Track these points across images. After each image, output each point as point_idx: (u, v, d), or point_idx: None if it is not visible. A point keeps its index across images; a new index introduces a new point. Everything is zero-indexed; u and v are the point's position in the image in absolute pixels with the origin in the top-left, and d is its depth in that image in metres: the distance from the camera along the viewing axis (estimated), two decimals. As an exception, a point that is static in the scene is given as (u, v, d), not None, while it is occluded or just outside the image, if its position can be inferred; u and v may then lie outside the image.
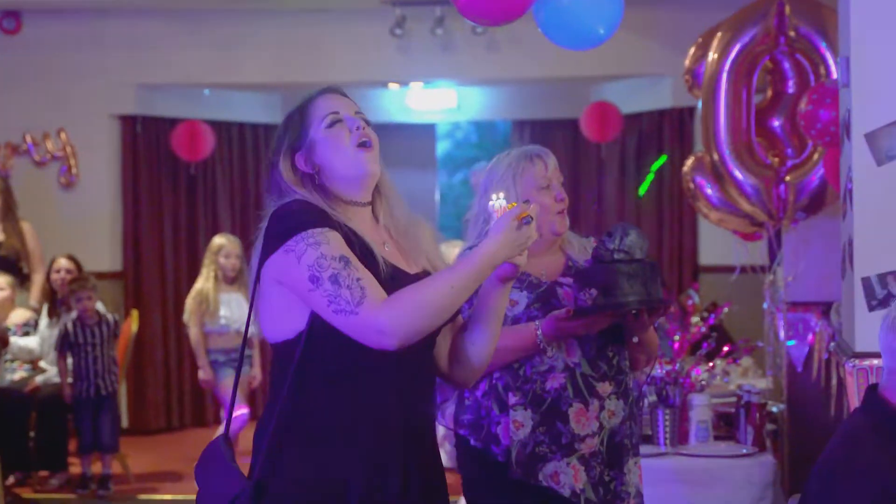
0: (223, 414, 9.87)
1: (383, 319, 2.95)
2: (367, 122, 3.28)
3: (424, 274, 3.23)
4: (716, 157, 6.51)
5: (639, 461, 4.05)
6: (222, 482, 3.14)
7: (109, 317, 8.93)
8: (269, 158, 3.27)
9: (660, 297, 3.79)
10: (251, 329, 3.30)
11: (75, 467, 9.11)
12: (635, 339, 3.95)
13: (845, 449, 3.12)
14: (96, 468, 8.87)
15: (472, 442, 3.96)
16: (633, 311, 3.77)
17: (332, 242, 3.04)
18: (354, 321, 2.97)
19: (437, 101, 12.74)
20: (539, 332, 3.82)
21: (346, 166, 3.21)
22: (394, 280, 3.10)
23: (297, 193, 3.18)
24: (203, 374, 8.90)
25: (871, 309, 4.39)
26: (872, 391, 3.24)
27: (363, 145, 3.22)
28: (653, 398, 5.42)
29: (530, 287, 3.92)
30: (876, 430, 3.14)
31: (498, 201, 3.12)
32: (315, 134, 3.22)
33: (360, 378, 3.09)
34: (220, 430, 3.32)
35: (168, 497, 8.64)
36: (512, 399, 3.89)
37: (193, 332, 8.95)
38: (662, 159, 10.63)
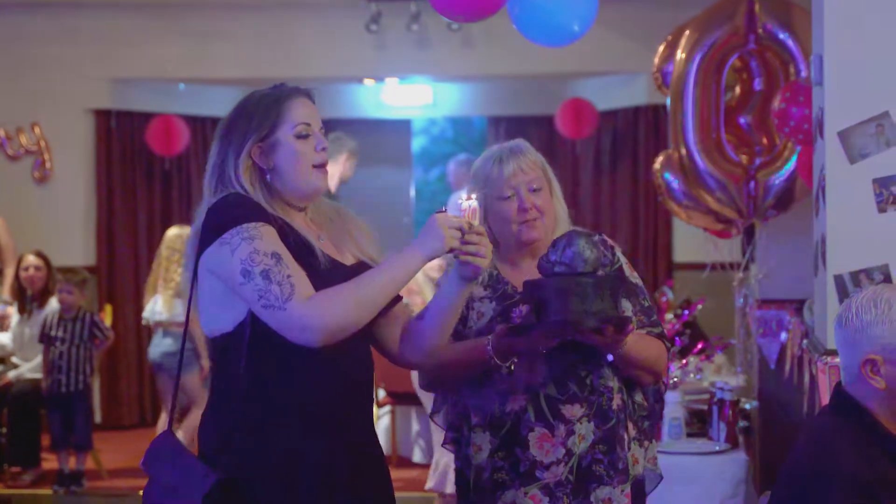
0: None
1: (307, 317, 3.01)
2: (326, 136, 3.35)
3: (359, 264, 3.30)
4: (685, 154, 6.53)
5: (626, 489, 3.60)
6: (180, 472, 3.18)
7: (89, 315, 8.92)
8: (218, 143, 3.27)
9: (607, 313, 3.35)
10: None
11: (48, 463, 9.08)
12: (610, 358, 3.56)
13: (815, 449, 3.12)
14: (69, 464, 8.83)
15: (454, 461, 3.76)
16: (577, 331, 3.36)
17: (266, 238, 3.09)
18: (281, 317, 3.02)
19: (412, 97, 12.74)
20: (489, 348, 3.48)
21: (301, 181, 3.27)
22: (332, 272, 3.18)
23: (236, 186, 3.20)
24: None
25: (844, 307, 4.40)
26: (838, 389, 3.25)
27: (322, 166, 3.29)
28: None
29: (502, 298, 3.64)
30: (843, 427, 3.14)
31: (464, 202, 3.22)
32: (282, 136, 3.25)
33: (304, 363, 3.14)
34: (163, 424, 3.36)
35: (141, 493, 8.58)
36: (473, 419, 3.62)
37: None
38: None
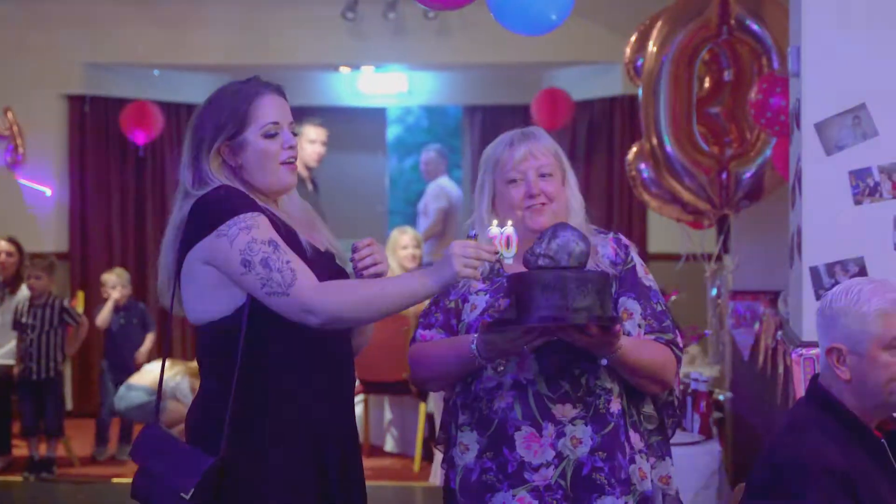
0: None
1: (311, 301, 3.10)
2: (295, 133, 3.40)
3: (329, 253, 3.39)
4: (657, 145, 6.53)
5: (630, 501, 3.38)
6: (171, 460, 3.21)
7: (58, 301, 8.90)
8: (190, 140, 3.34)
9: (590, 311, 3.14)
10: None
11: (19, 450, 9.04)
12: (603, 362, 3.35)
13: (794, 440, 3.13)
14: (40, 451, 8.80)
15: (442, 464, 3.61)
16: (558, 328, 3.19)
17: (262, 227, 3.18)
18: (286, 302, 3.12)
19: (388, 86, 12.72)
20: (473, 345, 3.33)
21: (270, 178, 3.34)
22: (315, 258, 3.27)
23: (217, 181, 3.27)
24: None
25: (819, 298, 4.41)
26: (815, 381, 3.26)
27: (290, 163, 3.35)
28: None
29: (497, 291, 3.47)
30: (821, 419, 3.15)
31: (494, 228, 3.13)
32: (250, 136, 3.31)
33: (298, 342, 3.24)
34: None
35: (113, 481, 8.57)
36: (461, 418, 3.47)
37: None
38: None
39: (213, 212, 3.20)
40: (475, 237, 3.19)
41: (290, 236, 3.25)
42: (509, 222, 3.14)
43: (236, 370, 3.19)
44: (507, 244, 3.10)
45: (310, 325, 3.13)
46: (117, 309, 9.27)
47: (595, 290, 3.15)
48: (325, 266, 3.29)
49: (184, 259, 3.26)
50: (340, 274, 3.37)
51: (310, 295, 3.10)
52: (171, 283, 3.34)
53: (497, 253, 3.10)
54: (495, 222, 3.17)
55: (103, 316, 9.21)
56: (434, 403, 8.24)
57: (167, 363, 8.55)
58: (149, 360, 9.30)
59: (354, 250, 3.41)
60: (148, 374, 8.77)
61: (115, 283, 9.27)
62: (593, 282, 3.16)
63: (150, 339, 9.40)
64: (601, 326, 3.19)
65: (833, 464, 3.01)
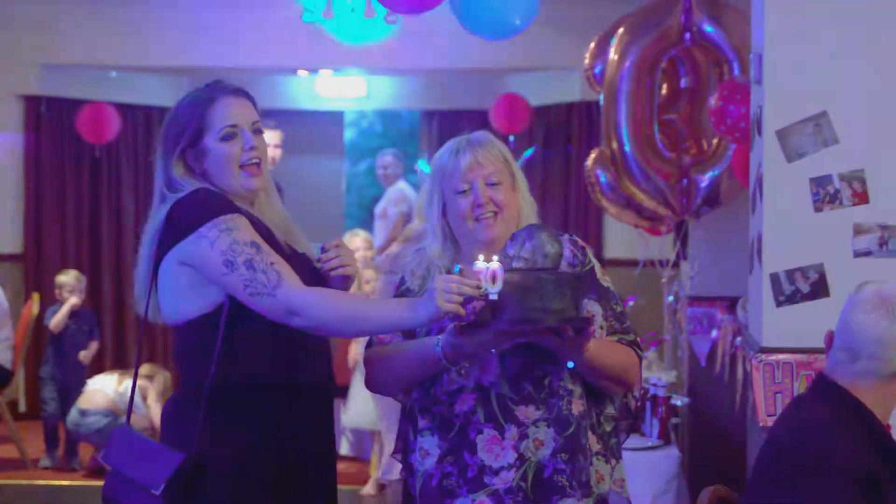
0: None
1: (299, 303, 3.13)
2: (262, 130, 3.41)
3: (305, 256, 3.41)
4: (617, 152, 6.56)
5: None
6: (142, 460, 3.21)
7: None
8: (160, 147, 3.41)
9: (567, 313, 3.09)
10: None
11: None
12: (570, 365, 3.31)
13: (811, 441, 3.11)
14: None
15: (400, 471, 3.54)
16: (533, 330, 3.15)
17: (243, 228, 3.21)
18: (270, 303, 3.15)
19: (346, 89, 12.71)
20: (438, 348, 3.25)
21: (231, 181, 3.35)
22: (293, 259, 3.28)
23: (190, 185, 3.30)
24: None
25: (779, 304, 4.44)
26: (822, 378, 3.26)
27: (251, 166, 3.35)
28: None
29: None
30: (839, 415, 3.15)
31: (480, 262, 3.07)
32: (209, 141, 3.34)
33: (276, 339, 3.25)
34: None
35: (65, 483, 8.51)
36: (421, 423, 3.40)
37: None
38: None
39: (191, 213, 3.22)
40: (460, 272, 3.14)
41: (268, 236, 3.26)
42: (495, 257, 3.07)
43: (212, 368, 3.20)
44: (493, 279, 3.03)
45: (292, 325, 3.15)
46: (71, 314, 9.15)
47: (571, 292, 3.10)
48: (304, 268, 3.30)
49: (161, 261, 3.26)
50: (318, 277, 3.37)
51: (298, 298, 3.13)
52: (147, 288, 3.33)
53: (480, 288, 3.04)
54: (481, 257, 3.09)
55: (58, 319, 9.04)
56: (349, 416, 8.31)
57: (116, 377, 8.64)
58: (91, 365, 9.25)
59: (323, 251, 3.42)
60: (99, 395, 8.65)
61: (74, 287, 9.17)
62: (569, 283, 3.11)
63: (94, 346, 9.28)
64: (576, 328, 3.16)
65: (862, 458, 3.03)
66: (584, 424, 3.39)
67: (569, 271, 3.31)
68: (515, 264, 3.23)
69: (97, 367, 9.84)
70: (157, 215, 3.31)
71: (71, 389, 8.86)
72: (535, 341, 3.22)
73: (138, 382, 8.44)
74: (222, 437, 3.21)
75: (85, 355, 9.14)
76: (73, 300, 9.10)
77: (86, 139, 10.96)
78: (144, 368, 8.51)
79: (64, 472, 8.70)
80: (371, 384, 3.52)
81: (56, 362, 9.09)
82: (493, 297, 3.04)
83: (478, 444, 3.31)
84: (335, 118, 13.50)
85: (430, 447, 3.38)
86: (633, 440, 5.54)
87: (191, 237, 3.19)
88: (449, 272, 3.27)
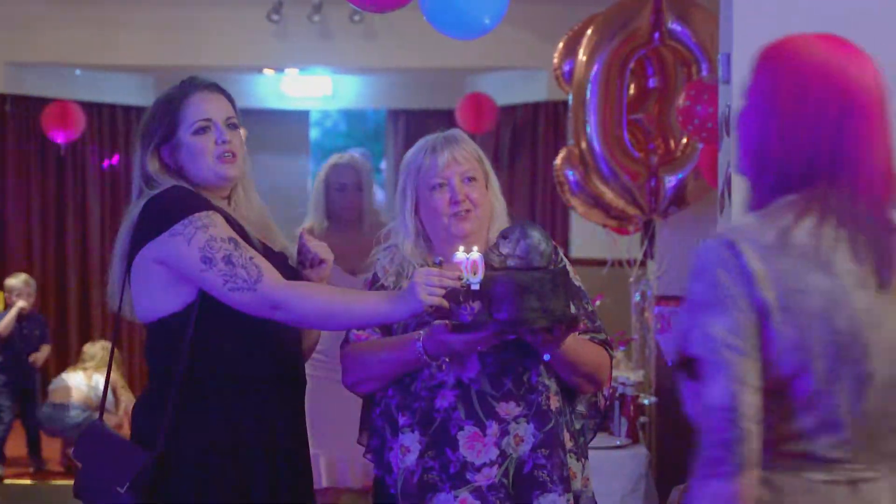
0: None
1: (281, 297, 3.15)
2: (237, 125, 3.43)
3: (282, 253, 3.43)
4: (586, 151, 6.56)
5: (570, 499, 3.36)
6: (111, 456, 3.23)
7: None
8: (137, 144, 3.39)
9: (562, 312, 3.12)
10: None
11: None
12: (546, 358, 3.31)
13: None
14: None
15: (375, 470, 3.52)
16: (530, 330, 3.14)
17: (219, 225, 3.21)
18: (251, 297, 3.15)
19: (312, 88, 12.70)
20: (419, 345, 3.28)
21: (206, 173, 3.36)
22: (267, 256, 3.27)
23: (167, 182, 3.30)
24: None
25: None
26: None
27: (225, 158, 3.36)
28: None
29: None
30: None
31: (461, 253, 3.09)
32: (182, 135, 3.35)
33: (248, 338, 3.27)
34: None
35: (29, 482, 8.48)
36: (401, 420, 3.38)
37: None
38: None
39: (166, 210, 3.22)
40: (440, 264, 3.16)
41: (241, 233, 3.26)
42: (475, 248, 3.09)
43: (181, 365, 3.20)
44: (474, 270, 3.05)
45: (274, 319, 3.17)
46: (20, 318, 9.05)
47: (563, 290, 3.14)
48: (280, 265, 3.29)
49: (134, 257, 3.25)
50: (295, 275, 3.38)
51: (279, 291, 3.15)
52: (121, 285, 3.33)
53: (461, 279, 3.06)
54: (461, 248, 3.11)
55: (5, 323, 8.91)
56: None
57: (81, 372, 8.63)
58: (58, 364, 9.23)
59: (301, 237, 3.45)
60: (73, 391, 8.66)
61: (22, 291, 9.08)
62: (562, 282, 3.15)
63: (45, 349, 9.24)
64: (567, 326, 3.18)
65: None
66: (562, 420, 3.42)
67: (560, 269, 3.29)
68: (510, 263, 3.19)
69: (64, 366, 9.84)
70: (132, 212, 3.30)
71: (27, 393, 8.90)
72: (526, 339, 3.22)
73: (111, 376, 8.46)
74: (191, 431, 3.22)
75: (36, 358, 9.09)
76: (20, 304, 9.01)
77: (51, 138, 10.91)
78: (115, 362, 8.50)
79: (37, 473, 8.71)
80: (348, 382, 3.50)
81: (6, 367, 8.96)
82: (475, 287, 3.07)
83: (459, 441, 3.32)
84: (301, 117, 13.49)
85: (410, 443, 3.36)
86: (602, 439, 5.55)
87: (165, 234, 3.19)
88: (431, 265, 3.30)
